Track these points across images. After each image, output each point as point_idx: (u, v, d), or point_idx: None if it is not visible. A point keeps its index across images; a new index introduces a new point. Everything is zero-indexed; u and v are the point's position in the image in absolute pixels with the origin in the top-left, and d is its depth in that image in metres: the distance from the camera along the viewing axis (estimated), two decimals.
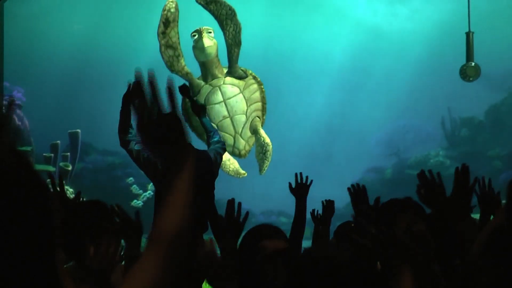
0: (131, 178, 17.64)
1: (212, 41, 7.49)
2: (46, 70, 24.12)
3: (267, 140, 8.10)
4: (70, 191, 12.39)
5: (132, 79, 1.58)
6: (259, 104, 8.03)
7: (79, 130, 13.87)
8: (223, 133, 7.51)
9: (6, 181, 0.94)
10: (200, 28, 7.45)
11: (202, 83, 7.66)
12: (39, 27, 24.51)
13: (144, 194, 17.34)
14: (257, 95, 7.96)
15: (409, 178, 19.67)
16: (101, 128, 22.49)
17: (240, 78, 7.84)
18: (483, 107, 19.00)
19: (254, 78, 8.02)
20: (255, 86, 7.96)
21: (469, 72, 7.19)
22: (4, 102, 10.50)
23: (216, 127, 7.01)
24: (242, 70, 7.91)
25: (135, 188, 17.52)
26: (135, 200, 17.23)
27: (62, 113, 22.50)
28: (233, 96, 7.72)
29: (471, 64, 7.16)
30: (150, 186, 16.14)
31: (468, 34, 7.09)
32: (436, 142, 20.46)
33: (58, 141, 13.16)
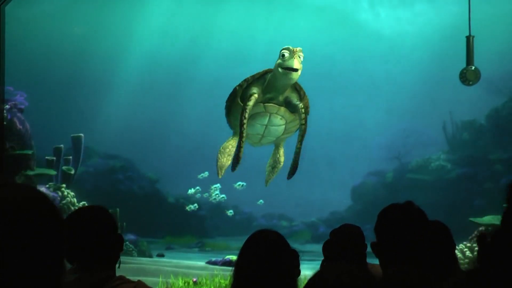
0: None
1: (300, 65, 6.97)
2: (48, 74, 24.14)
3: (282, 159, 8.36)
4: (71, 195, 12.39)
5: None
6: (294, 131, 7.90)
7: (82, 134, 13.85)
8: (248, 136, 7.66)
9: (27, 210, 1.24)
10: (293, 48, 6.99)
11: (259, 96, 7.33)
12: (40, 31, 24.53)
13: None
14: (297, 126, 7.76)
15: (410, 182, 19.69)
16: (102, 132, 22.57)
17: (294, 111, 7.53)
18: (484, 111, 19.00)
19: (305, 110, 7.60)
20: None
21: (469, 76, 7.16)
22: (6, 106, 10.53)
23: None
24: (301, 106, 7.42)
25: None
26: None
27: (64, 117, 22.52)
28: (277, 126, 7.71)
29: (471, 68, 7.12)
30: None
31: (468, 38, 7.07)
32: (437, 146, 20.44)
33: (62, 145, 13.16)
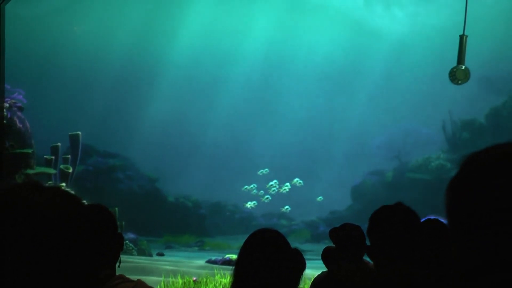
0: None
1: None
2: (47, 72, 24.15)
3: None
4: None
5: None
6: None
7: (79, 132, 13.84)
8: None
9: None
10: None
11: None
12: (40, 29, 24.54)
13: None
14: None
15: (410, 181, 19.70)
16: (102, 130, 22.57)
17: None
18: (483, 110, 19.03)
19: None
20: None
21: (458, 75, 7.17)
22: (6, 105, 10.52)
23: None
24: None
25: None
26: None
27: (63, 115, 22.53)
28: None
29: (461, 67, 7.14)
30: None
31: (461, 37, 7.06)
32: (437, 145, 20.47)
33: (59, 143, 13.12)
